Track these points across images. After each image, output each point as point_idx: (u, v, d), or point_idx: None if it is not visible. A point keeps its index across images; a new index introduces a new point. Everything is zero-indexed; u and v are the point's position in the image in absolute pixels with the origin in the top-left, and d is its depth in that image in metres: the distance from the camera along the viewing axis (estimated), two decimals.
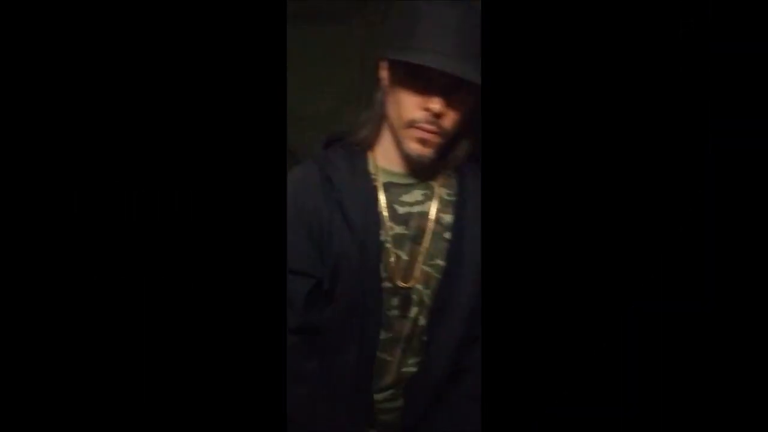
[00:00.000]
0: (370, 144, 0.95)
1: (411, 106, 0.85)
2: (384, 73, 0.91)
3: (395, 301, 0.90)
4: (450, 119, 0.86)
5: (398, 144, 0.90)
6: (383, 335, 0.91)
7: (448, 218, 0.92)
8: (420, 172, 0.93)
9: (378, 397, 0.93)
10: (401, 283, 0.90)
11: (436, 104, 0.83)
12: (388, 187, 0.92)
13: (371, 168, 0.94)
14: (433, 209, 0.92)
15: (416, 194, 0.93)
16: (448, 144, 0.91)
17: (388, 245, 0.90)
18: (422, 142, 0.86)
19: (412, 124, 0.86)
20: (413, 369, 0.93)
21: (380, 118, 0.92)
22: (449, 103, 0.84)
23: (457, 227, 0.92)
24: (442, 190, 0.94)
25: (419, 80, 0.84)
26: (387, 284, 0.90)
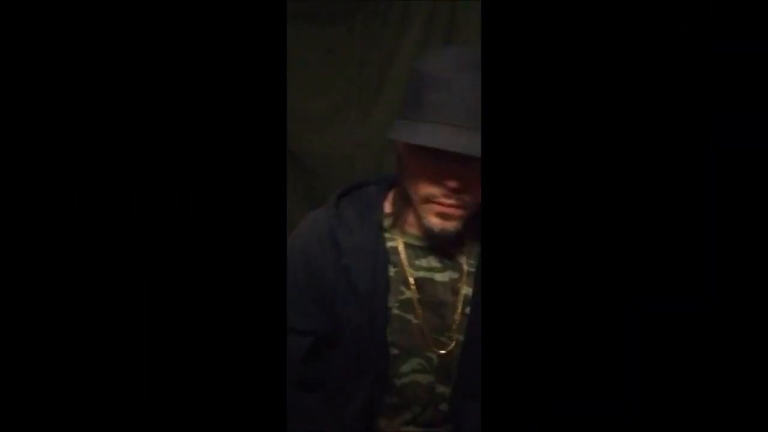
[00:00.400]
0: (387, 196, 0.89)
1: (426, 181, 0.78)
2: (398, 146, 0.84)
3: (406, 368, 0.85)
4: (472, 192, 0.78)
5: (419, 219, 0.83)
6: (389, 400, 0.86)
7: (466, 290, 0.86)
8: (442, 242, 0.86)
9: None
10: (414, 351, 0.84)
11: (452, 182, 0.76)
12: (402, 249, 0.86)
13: (386, 224, 0.87)
14: (448, 278, 0.86)
15: (432, 260, 0.86)
16: (474, 214, 0.83)
17: (396, 312, 0.84)
18: (443, 216, 0.80)
19: (430, 200, 0.79)
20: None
21: (404, 194, 0.85)
22: (469, 175, 0.76)
23: (476, 300, 0.84)
24: (463, 258, 0.87)
25: (433, 153, 0.75)
26: (395, 351, 0.85)
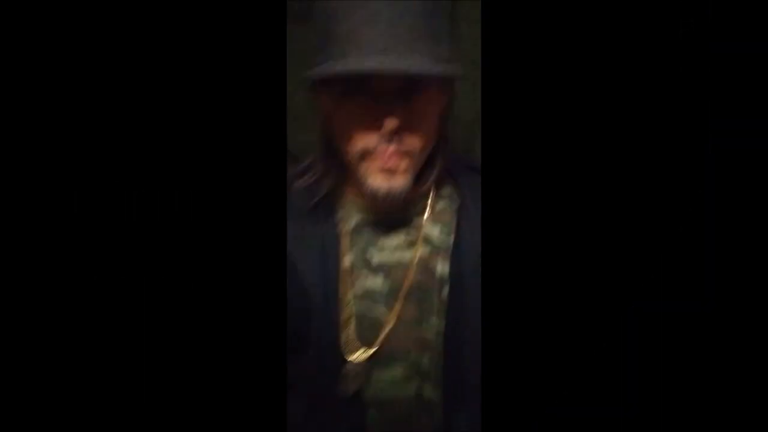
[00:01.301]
0: (324, 185, 0.74)
1: (359, 132, 0.65)
2: (320, 100, 0.70)
3: (386, 375, 0.70)
4: (415, 133, 0.65)
5: (359, 181, 0.68)
6: (371, 414, 0.70)
7: (442, 268, 0.71)
8: (397, 209, 0.71)
9: None
10: (385, 353, 0.69)
11: (387, 120, 0.62)
12: (357, 230, 0.72)
13: (339, 208, 0.73)
14: (417, 256, 0.71)
15: (397, 237, 0.72)
16: (424, 163, 0.70)
17: (351, 305, 0.70)
18: (387, 172, 0.65)
19: (367, 154, 0.66)
20: None
21: (327, 155, 0.71)
22: (406, 112, 0.64)
23: (455, 278, 0.70)
24: (433, 227, 0.72)
25: (359, 95, 0.64)
26: (364, 354, 0.70)
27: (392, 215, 0.72)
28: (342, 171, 0.72)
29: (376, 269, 0.71)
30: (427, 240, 0.72)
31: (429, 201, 0.73)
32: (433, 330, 0.71)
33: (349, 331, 0.70)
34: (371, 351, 0.69)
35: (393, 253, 0.72)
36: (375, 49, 0.60)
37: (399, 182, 0.66)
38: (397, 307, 0.70)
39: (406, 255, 0.71)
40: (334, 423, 0.70)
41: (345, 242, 0.71)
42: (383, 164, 0.65)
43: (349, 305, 0.70)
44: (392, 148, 0.64)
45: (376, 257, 0.71)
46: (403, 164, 0.66)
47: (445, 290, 0.71)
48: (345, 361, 0.69)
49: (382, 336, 0.69)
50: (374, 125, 0.63)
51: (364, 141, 0.65)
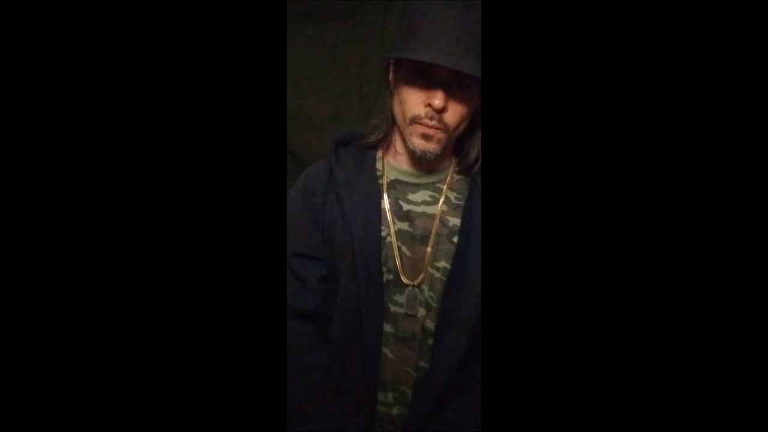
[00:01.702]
0: (380, 145, 0.97)
1: (414, 103, 0.87)
2: (390, 75, 0.93)
3: (401, 298, 0.91)
4: (453, 115, 0.87)
5: (404, 142, 0.92)
6: (387, 329, 0.91)
7: (455, 221, 0.93)
8: (429, 171, 0.95)
9: (380, 397, 0.93)
10: (407, 280, 0.91)
11: (437, 99, 0.84)
12: (393, 184, 0.94)
13: (379, 166, 0.96)
14: (438, 210, 0.93)
15: (423, 194, 0.94)
16: (454, 141, 0.93)
17: (389, 240, 0.91)
18: (425, 137, 0.88)
19: (415, 120, 0.88)
20: (420, 373, 0.92)
21: (390, 120, 0.95)
22: (451, 98, 0.86)
23: (464, 231, 0.92)
24: (451, 192, 0.95)
25: (421, 78, 0.86)
26: (389, 277, 0.91)
27: (421, 176, 0.95)
28: (389, 136, 0.97)
29: (404, 216, 0.93)
30: (446, 200, 0.94)
31: (450, 171, 0.96)
32: (440, 271, 0.91)
33: (391, 259, 0.92)
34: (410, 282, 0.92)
35: (419, 206, 0.94)
36: (441, 49, 0.82)
37: (432, 147, 0.89)
38: (416, 248, 0.92)
39: (429, 209, 0.94)
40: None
41: (384, 192, 0.94)
42: (424, 131, 0.88)
43: (386, 240, 0.91)
44: (434, 120, 0.87)
45: (405, 206, 0.93)
46: (438, 135, 0.88)
47: (455, 238, 0.92)
48: (384, 280, 0.91)
49: (397, 266, 0.91)
50: (426, 101, 0.86)
51: (416, 110, 0.87)
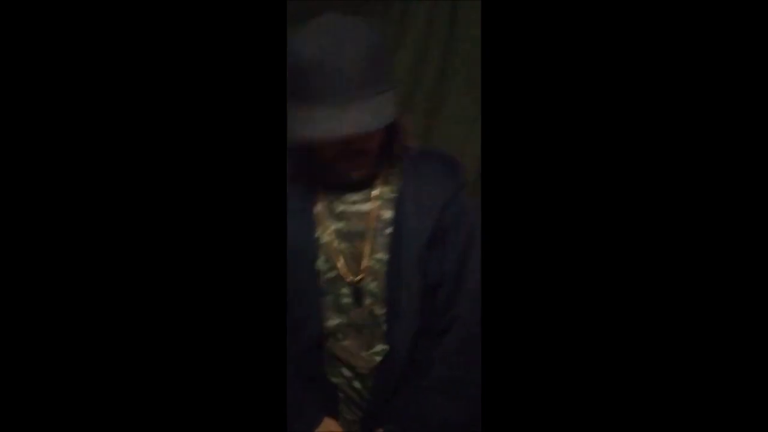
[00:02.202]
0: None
1: (326, 149, 0.86)
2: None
3: (346, 290, 0.94)
4: (374, 146, 0.88)
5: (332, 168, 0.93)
6: (337, 320, 0.95)
7: (388, 214, 0.95)
8: (361, 181, 0.97)
9: (340, 383, 0.97)
10: (350, 276, 0.94)
11: (353, 157, 0.85)
12: (327, 188, 0.95)
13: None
14: (372, 206, 0.95)
15: (357, 194, 0.96)
16: (382, 154, 0.93)
17: (326, 240, 0.94)
18: (353, 170, 0.89)
19: (336, 160, 0.88)
20: (378, 358, 0.95)
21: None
22: (364, 139, 0.84)
23: (397, 221, 0.94)
24: (384, 188, 0.96)
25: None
26: (332, 274, 0.94)
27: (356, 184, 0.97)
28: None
29: (338, 217, 0.95)
30: (379, 194, 0.96)
31: (383, 171, 0.97)
32: (380, 263, 0.94)
33: (332, 258, 0.95)
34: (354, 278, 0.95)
35: (353, 206, 0.96)
36: (334, 103, 0.80)
37: (364, 172, 0.91)
38: (356, 244, 0.95)
39: (363, 206, 0.96)
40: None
41: (317, 198, 0.96)
42: (349, 167, 0.89)
43: (319, 242, 0.95)
44: (353, 163, 0.88)
45: (339, 207, 0.95)
46: (365, 162, 0.89)
47: (388, 230, 0.94)
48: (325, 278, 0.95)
49: (339, 264, 0.95)
50: (340, 159, 0.87)
51: (332, 155, 0.87)
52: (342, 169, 0.90)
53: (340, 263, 0.94)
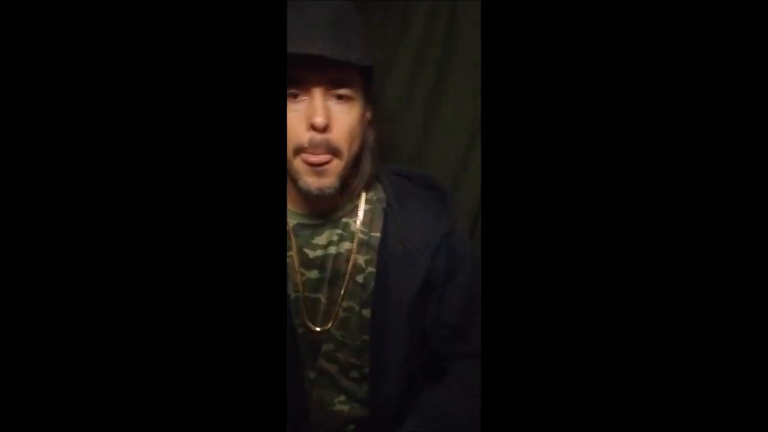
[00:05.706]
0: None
1: (293, 128, 0.75)
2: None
3: (324, 346, 0.88)
4: (339, 134, 0.76)
5: (295, 183, 0.79)
6: (312, 376, 0.89)
7: (362, 258, 0.86)
8: (331, 209, 0.85)
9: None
10: (318, 328, 0.86)
11: (318, 117, 0.73)
12: (296, 231, 0.85)
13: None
14: (347, 248, 0.85)
15: (329, 234, 0.86)
16: (352, 170, 0.82)
17: (296, 295, 0.85)
18: (317, 172, 0.77)
19: (300, 151, 0.76)
20: (360, 413, 0.90)
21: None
22: (334, 114, 0.75)
23: (380, 266, 0.84)
24: (357, 226, 0.86)
25: (296, 86, 0.74)
26: (300, 330, 0.87)
27: (324, 216, 0.85)
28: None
29: (310, 265, 0.85)
30: (351, 236, 0.85)
31: (358, 203, 0.86)
32: (352, 311, 0.86)
33: (303, 315, 0.86)
34: (317, 329, 0.87)
35: (326, 249, 0.85)
36: (317, 47, 0.71)
37: (328, 181, 0.77)
38: (327, 292, 0.86)
39: (337, 248, 0.85)
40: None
41: (290, 242, 0.84)
42: (315, 159, 0.75)
43: (289, 297, 0.84)
44: (321, 148, 0.74)
45: (312, 254, 0.85)
46: (332, 164, 0.76)
47: (360, 277, 0.85)
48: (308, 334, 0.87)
49: (319, 316, 0.86)
50: (306, 122, 0.74)
51: (299, 137, 0.75)
52: (305, 169, 0.77)
53: (306, 318, 0.86)
